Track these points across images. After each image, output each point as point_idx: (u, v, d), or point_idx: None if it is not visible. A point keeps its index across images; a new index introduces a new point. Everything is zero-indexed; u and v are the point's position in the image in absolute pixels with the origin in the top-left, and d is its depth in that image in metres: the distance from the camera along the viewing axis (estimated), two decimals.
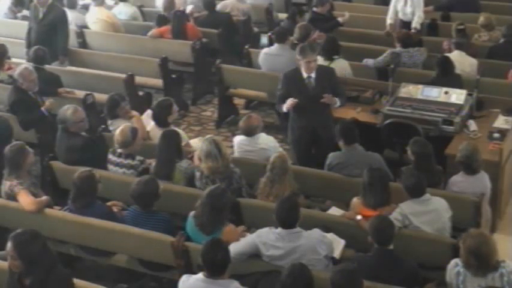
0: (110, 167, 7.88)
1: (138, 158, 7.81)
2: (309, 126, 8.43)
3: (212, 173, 7.30)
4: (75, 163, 7.76)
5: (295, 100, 8.23)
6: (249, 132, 8.13)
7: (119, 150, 7.80)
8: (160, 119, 8.43)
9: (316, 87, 8.29)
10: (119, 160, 7.81)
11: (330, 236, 6.54)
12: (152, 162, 7.74)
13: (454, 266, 5.85)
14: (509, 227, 8.23)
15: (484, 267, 5.66)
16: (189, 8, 12.64)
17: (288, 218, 6.23)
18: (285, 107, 8.37)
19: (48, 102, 9.11)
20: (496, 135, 8.38)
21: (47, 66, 10.13)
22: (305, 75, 8.31)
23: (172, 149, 7.66)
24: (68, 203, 7.10)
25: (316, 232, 6.30)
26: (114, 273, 7.37)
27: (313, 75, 8.31)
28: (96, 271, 7.43)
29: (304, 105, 8.29)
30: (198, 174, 7.46)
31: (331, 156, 7.83)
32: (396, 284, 5.87)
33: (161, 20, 11.98)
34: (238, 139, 8.31)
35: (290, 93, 8.38)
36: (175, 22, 11.79)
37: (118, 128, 7.85)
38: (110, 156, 7.88)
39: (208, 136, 7.61)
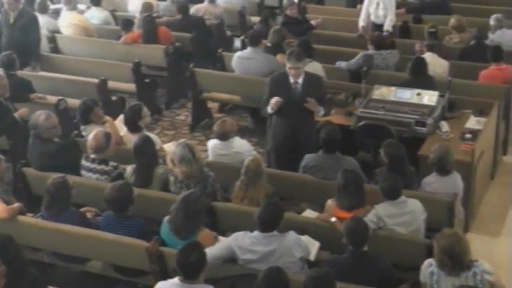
0: (83, 172, 7.84)
1: (112, 163, 7.77)
2: (292, 133, 8.34)
3: (186, 177, 7.29)
4: (48, 169, 7.70)
5: (280, 99, 8.15)
6: (223, 136, 8.12)
7: (92, 156, 7.75)
8: (131, 124, 8.39)
9: (302, 94, 8.21)
10: (92, 166, 7.76)
11: (305, 238, 6.55)
12: (126, 167, 7.73)
13: (428, 266, 5.89)
14: (482, 227, 8.29)
15: (457, 266, 5.69)
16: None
17: (270, 222, 6.25)
18: (269, 107, 8.32)
19: (21, 110, 9.05)
20: (468, 135, 8.45)
21: (18, 72, 10.05)
22: (292, 80, 8.25)
23: (149, 155, 7.63)
24: (41, 210, 7.04)
25: (291, 235, 6.31)
26: (88, 280, 7.31)
27: (300, 81, 8.23)
28: (71, 278, 7.38)
29: (288, 110, 8.26)
30: (172, 178, 7.44)
31: (307, 158, 7.83)
32: (371, 285, 5.89)
33: (127, 24, 11.92)
34: (212, 143, 8.29)
35: (274, 96, 8.35)
36: (146, 27, 11.76)
37: (91, 134, 7.81)
38: (83, 162, 7.84)
39: (181, 140, 7.59)
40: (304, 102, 8.10)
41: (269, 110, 8.35)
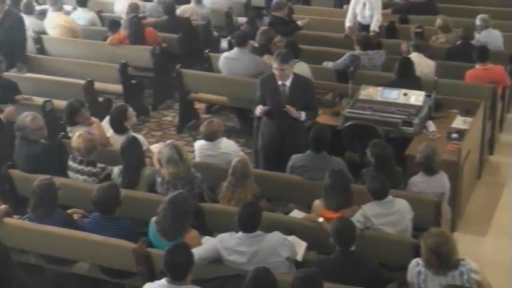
0: (71, 174, 7.82)
1: (99, 165, 7.76)
2: (279, 134, 8.35)
3: (173, 178, 7.28)
4: (34, 171, 7.68)
5: (266, 108, 8.22)
6: (210, 137, 8.11)
7: (80, 157, 7.74)
8: (117, 125, 8.38)
9: (290, 96, 8.21)
10: (79, 167, 7.75)
11: (292, 238, 6.56)
12: (113, 168, 7.71)
13: (415, 266, 5.90)
14: (469, 226, 8.32)
15: (444, 265, 5.71)
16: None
17: (249, 223, 6.23)
18: (256, 112, 8.38)
19: (7, 110, 9.01)
20: (455, 135, 8.47)
21: (4, 73, 10.01)
22: (279, 82, 8.25)
23: (136, 156, 7.62)
24: (27, 212, 7.02)
25: (276, 235, 6.31)
26: (75, 281, 7.29)
27: (287, 83, 8.22)
28: (58, 280, 7.35)
29: (275, 112, 8.27)
30: (159, 179, 7.43)
31: (294, 158, 7.83)
32: (359, 285, 5.90)
33: (114, 25, 11.89)
34: (199, 144, 8.29)
35: (264, 98, 8.38)
36: (133, 28, 11.75)
37: (75, 136, 7.77)
38: (71, 163, 7.82)
39: (169, 141, 7.58)
40: (292, 104, 8.11)
41: (256, 113, 8.41)
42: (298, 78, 8.32)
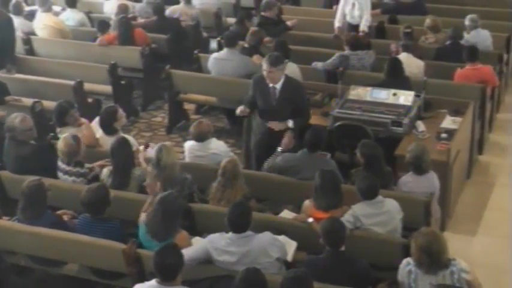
0: (60, 174, 7.80)
1: (87, 165, 7.75)
2: (270, 134, 8.35)
3: (163, 179, 7.26)
4: (23, 172, 7.66)
5: (245, 110, 8.31)
6: (200, 138, 8.11)
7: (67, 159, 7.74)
8: (107, 126, 8.36)
9: (279, 99, 8.25)
10: (68, 168, 7.73)
11: (282, 238, 6.56)
12: (103, 166, 7.70)
13: (406, 265, 5.91)
14: (458, 226, 8.34)
15: (435, 264, 5.72)
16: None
17: (239, 223, 6.24)
18: (237, 111, 8.42)
19: None
20: (444, 135, 8.49)
21: None
22: (270, 84, 8.27)
23: (126, 157, 7.61)
24: (17, 213, 7.00)
25: (266, 235, 6.31)
26: (65, 283, 7.28)
27: (278, 86, 8.23)
28: (47, 281, 7.33)
29: (265, 113, 8.32)
30: (149, 179, 7.41)
31: (285, 156, 7.80)
32: (348, 285, 5.90)
33: (103, 26, 11.87)
34: (189, 144, 8.29)
35: (255, 98, 8.41)
36: (122, 28, 11.73)
37: (60, 139, 7.76)
38: (60, 164, 7.80)
39: (163, 143, 7.60)
40: (282, 111, 8.16)
41: (237, 112, 8.53)
42: (288, 81, 8.33)
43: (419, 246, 5.73)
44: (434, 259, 5.70)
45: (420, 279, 5.79)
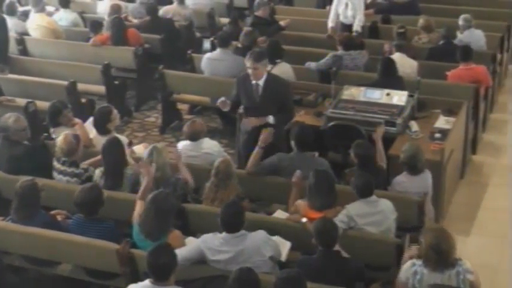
0: (55, 174, 7.79)
1: (82, 166, 7.74)
2: (253, 132, 8.34)
3: (155, 179, 7.25)
4: (17, 172, 7.64)
5: (225, 101, 8.29)
6: (193, 137, 8.11)
7: (63, 158, 7.71)
8: (100, 126, 8.35)
9: (262, 96, 8.25)
10: (62, 168, 7.72)
11: (276, 238, 6.55)
12: (95, 165, 7.69)
13: (412, 266, 5.86)
14: (452, 226, 8.29)
15: (443, 263, 5.70)
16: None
17: (232, 223, 6.23)
18: (217, 102, 8.44)
19: None
20: (438, 135, 8.50)
21: None
22: (253, 81, 8.28)
23: (118, 158, 7.60)
24: (10, 214, 6.99)
25: (260, 233, 6.31)
26: (59, 283, 7.27)
27: (261, 83, 8.25)
28: (41, 281, 7.33)
29: (250, 111, 8.33)
30: (143, 179, 7.40)
31: (280, 156, 7.77)
32: (342, 285, 5.90)
33: (96, 26, 11.85)
34: (182, 144, 8.28)
35: (239, 96, 8.43)
36: (115, 29, 11.72)
37: (60, 137, 7.76)
38: (55, 163, 7.79)
39: (156, 144, 7.59)
40: (266, 108, 8.18)
41: (222, 109, 8.49)
42: (272, 79, 8.36)
43: (428, 243, 5.71)
44: (442, 257, 5.68)
45: (426, 279, 5.75)
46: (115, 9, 12.24)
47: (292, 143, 7.69)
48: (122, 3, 12.89)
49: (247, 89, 8.34)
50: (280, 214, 7.28)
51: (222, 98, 8.38)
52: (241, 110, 8.66)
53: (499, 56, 11.34)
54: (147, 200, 6.50)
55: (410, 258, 6.15)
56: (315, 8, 14.53)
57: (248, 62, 8.20)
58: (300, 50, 11.29)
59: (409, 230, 6.86)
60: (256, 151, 7.78)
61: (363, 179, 6.86)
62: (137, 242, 6.60)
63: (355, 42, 10.78)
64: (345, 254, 6.17)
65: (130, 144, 8.14)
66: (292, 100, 8.79)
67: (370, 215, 6.76)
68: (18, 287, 5.93)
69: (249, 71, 8.22)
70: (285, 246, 6.61)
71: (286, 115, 8.44)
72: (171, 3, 13.40)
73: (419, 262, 5.84)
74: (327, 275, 5.96)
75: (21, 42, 11.97)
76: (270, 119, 8.25)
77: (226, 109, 8.45)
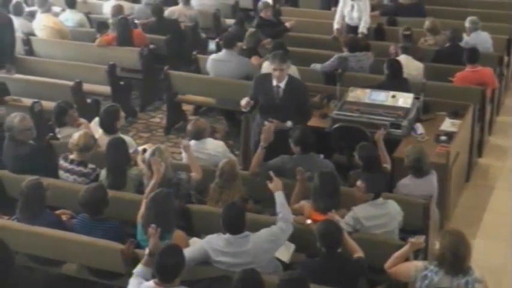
0: (61, 172, 7.79)
1: (90, 166, 7.74)
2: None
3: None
4: (22, 172, 7.65)
5: (249, 101, 8.28)
6: (197, 135, 8.07)
7: (71, 157, 7.72)
8: (107, 126, 8.34)
9: (283, 98, 8.24)
10: (70, 167, 7.72)
11: None
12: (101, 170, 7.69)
13: (423, 269, 5.83)
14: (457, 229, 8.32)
15: (458, 266, 5.68)
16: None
17: (234, 224, 6.22)
18: (241, 102, 8.39)
19: None
20: (443, 137, 8.49)
21: None
22: (274, 82, 8.25)
23: (120, 157, 7.60)
24: (16, 213, 7.00)
25: (262, 232, 6.30)
26: (64, 282, 7.28)
27: (282, 85, 8.24)
28: (46, 281, 7.33)
29: (268, 112, 8.28)
30: (146, 180, 7.40)
31: (284, 158, 7.76)
32: (345, 286, 5.89)
33: (102, 27, 11.88)
34: None
35: (258, 96, 8.40)
36: (120, 29, 11.73)
37: (77, 133, 7.75)
38: (62, 162, 7.79)
39: (158, 145, 7.59)
40: (285, 110, 8.15)
41: (242, 108, 8.45)
42: (293, 81, 8.36)
43: (445, 245, 5.69)
44: (458, 261, 5.66)
45: (436, 282, 5.74)
46: (117, 10, 12.25)
47: (293, 145, 7.68)
48: (128, 4, 12.89)
49: (266, 89, 8.32)
50: None
51: (247, 98, 8.36)
52: (246, 110, 8.60)
53: (505, 58, 11.31)
54: (147, 200, 6.51)
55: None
56: (321, 10, 14.50)
57: (274, 64, 8.17)
58: (306, 51, 11.28)
59: (413, 233, 6.84)
60: (259, 151, 7.77)
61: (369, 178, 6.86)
62: (141, 242, 6.60)
63: (360, 43, 10.78)
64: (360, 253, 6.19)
65: (145, 152, 8.10)
66: (310, 103, 8.78)
67: (377, 218, 6.75)
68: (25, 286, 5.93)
69: (275, 72, 8.18)
70: (289, 249, 6.61)
71: (304, 118, 8.43)
72: (176, 4, 13.42)
73: (431, 266, 5.81)
74: (330, 276, 5.95)
75: (27, 42, 11.99)
76: (289, 123, 8.21)
77: (247, 109, 8.44)
